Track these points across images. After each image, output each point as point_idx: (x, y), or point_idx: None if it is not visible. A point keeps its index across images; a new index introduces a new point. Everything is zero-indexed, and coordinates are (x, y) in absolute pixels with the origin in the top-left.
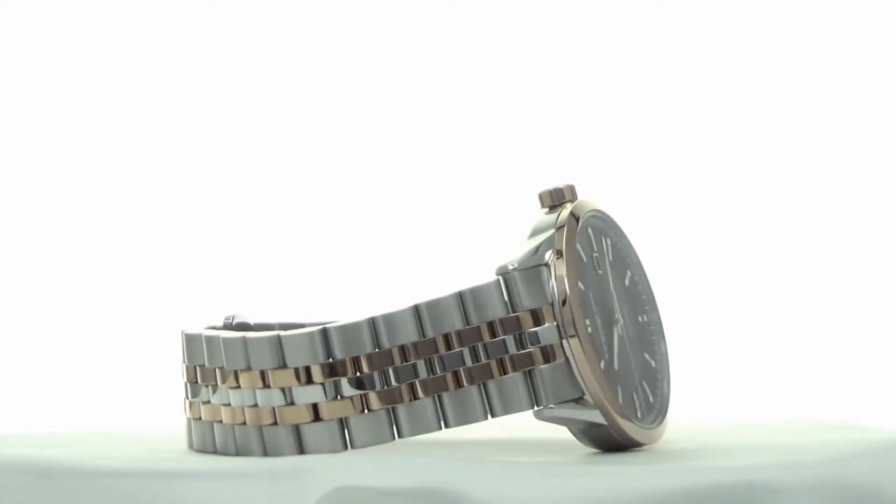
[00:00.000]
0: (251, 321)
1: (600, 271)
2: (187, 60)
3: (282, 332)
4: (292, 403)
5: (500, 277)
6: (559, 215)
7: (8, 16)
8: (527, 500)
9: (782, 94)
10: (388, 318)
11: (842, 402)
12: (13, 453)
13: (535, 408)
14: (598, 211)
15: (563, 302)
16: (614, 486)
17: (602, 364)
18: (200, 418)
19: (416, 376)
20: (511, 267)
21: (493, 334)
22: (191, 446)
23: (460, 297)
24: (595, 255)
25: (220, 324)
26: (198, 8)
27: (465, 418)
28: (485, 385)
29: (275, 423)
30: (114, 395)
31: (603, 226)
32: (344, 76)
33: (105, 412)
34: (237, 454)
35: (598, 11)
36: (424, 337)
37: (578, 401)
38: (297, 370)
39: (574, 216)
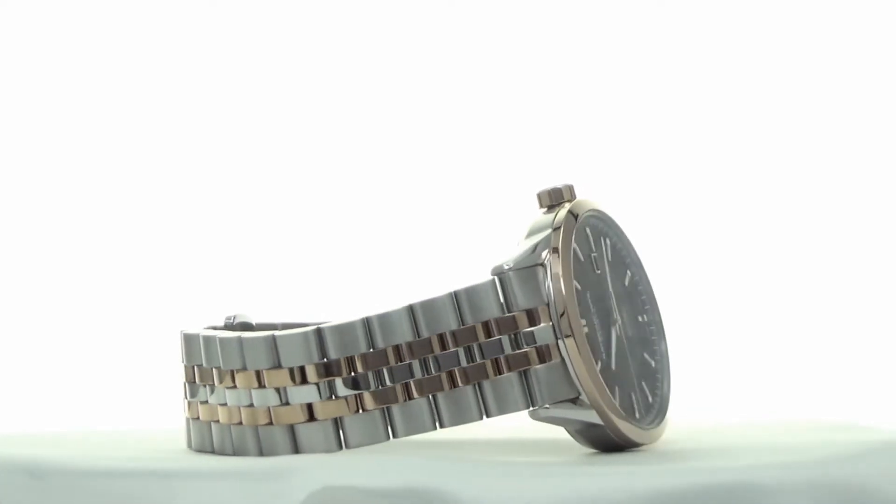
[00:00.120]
0: (253, 321)
1: (598, 271)
2: (187, 61)
3: (276, 332)
4: (287, 403)
5: (496, 277)
6: (556, 215)
7: (8, 16)
8: (514, 499)
9: (782, 93)
10: (383, 318)
11: (843, 403)
12: (5, 453)
13: (531, 408)
14: (598, 211)
15: (559, 302)
16: (605, 487)
17: (599, 364)
18: (199, 418)
19: (411, 376)
20: (506, 267)
21: (488, 334)
22: (190, 446)
23: (455, 296)
24: (593, 255)
25: (222, 324)
26: (198, 8)
27: (460, 418)
28: (480, 385)
29: (270, 422)
30: (114, 395)
31: (602, 226)
32: (341, 77)
33: (105, 412)
34: (234, 454)
35: (597, 11)
36: (419, 337)
37: (574, 401)
38: (291, 370)
39: (571, 216)
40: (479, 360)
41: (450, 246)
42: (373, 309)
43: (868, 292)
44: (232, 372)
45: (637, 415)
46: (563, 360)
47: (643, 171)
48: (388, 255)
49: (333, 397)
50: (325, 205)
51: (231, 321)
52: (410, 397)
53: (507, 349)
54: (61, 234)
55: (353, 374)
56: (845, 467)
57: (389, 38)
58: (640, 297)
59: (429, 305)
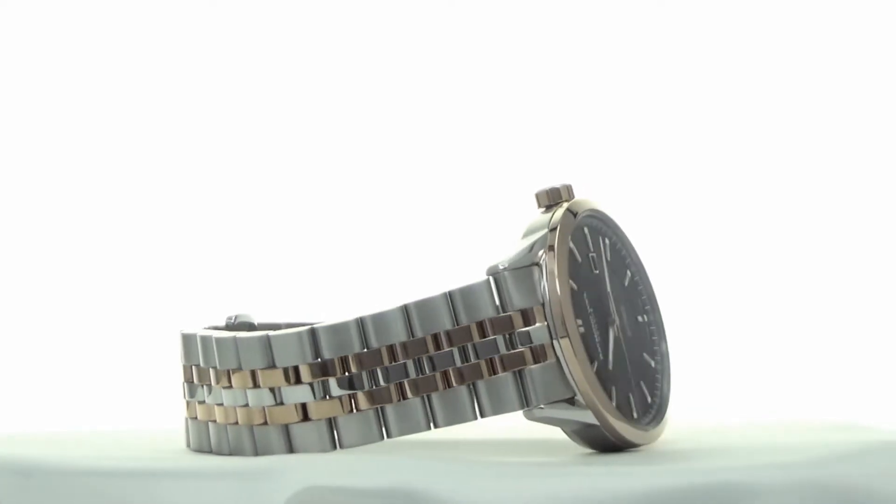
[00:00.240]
0: (255, 321)
1: (597, 271)
2: (187, 61)
3: (271, 332)
4: (281, 403)
5: (491, 277)
6: (553, 215)
7: (8, 16)
8: (502, 499)
9: (782, 93)
10: (377, 318)
11: (844, 403)
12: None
13: (525, 408)
14: (597, 211)
15: (554, 302)
16: (597, 487)
17: (595, 364)
18: (197, 418)
19: (405, 376)
20: (501, 267)
21: (483, 334)
22: (188, 446)
23: (449, 296)
24: (591, 255)
25: (223, 324)
26: (198, 8)
27: (454, 418)
28: (474, 385)
29: (265, 422)
30: (115, 395)
31: (601, 226)
32: (338, 77)
33: (106, 413)
34: (231, 454)
35: (596, 11)
36: (413, 337)
37: (570, 401)
38: (286, 370)
39: (568, 216)
40: (473, 360)
41: (450, 246)
42: (368, 309)
43: (868, 292)
44: (228, 372)
45: (634, 415)
46: (558, 360)
47: (643, 171)
48: (388, 255)
49: (327, 397)
50: (324, 205)
51: (232, 321)
52: (404, 397)
53: (502, 349)
54: (61, 235)
55: (346, 373)
56: (842, 467)
57: (386, 38)
58: (640, 298)
59: (423, 305)
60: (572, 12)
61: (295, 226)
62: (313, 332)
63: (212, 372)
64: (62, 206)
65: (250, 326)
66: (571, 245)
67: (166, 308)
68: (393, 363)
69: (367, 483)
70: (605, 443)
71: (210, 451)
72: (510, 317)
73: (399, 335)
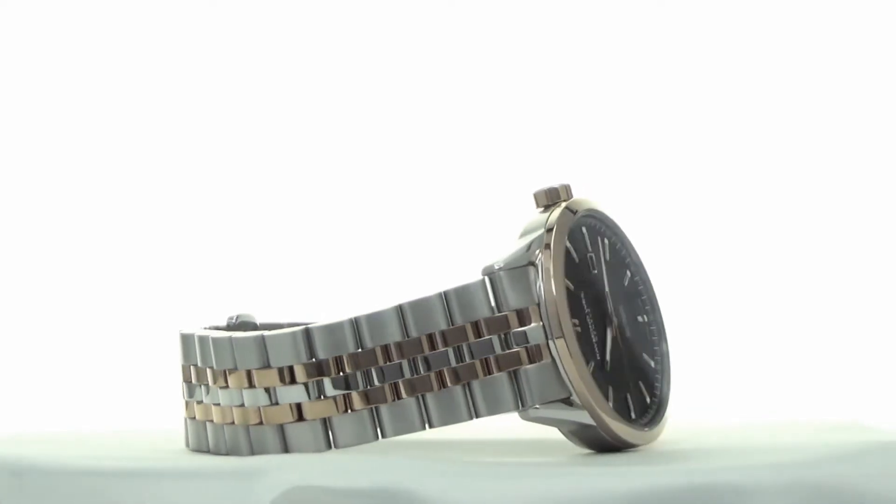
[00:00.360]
0: (257, 321)
1: (595, 271)
2: (186, 60)
3: (266, 332)
4: (276, 403)
5: (486, 277)
6: (550, 215)
7: (8, 16)
8: (487, 499)
9: (781, 92)
10: (371, 318)
11: (848, 403)
12: None
13: (521, 408)
14: (596, 211)
15: (550, 302)
16: (582, 487)
17: (591, 364)
18: (195, 418)
19: (400, 376)
20: (497, 267)
21: (478, 334)
22: (187, 445)
23: (444, 296)
24: (590, 255)
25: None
26: (198, 8)
27: (449, 419)
28: (469, 385)
29: (261, 422)
30: (116, 395)
31: (600, 226)
32: (334, 78)
33: (104, 413)
34: (228, 453)
35: (595, 10)
36: (408, 337)
37: (566, 401)
38: (280, 370)
39: (566, 216)
40: (468, 360)
41: (450, 246)
42: (363, 308)
43: (868, 292)
44: (225, 372)
45: (632, 415)
46: (553, 360)
47: (643, 171)
48: (388, 255)
49: (322, 397)
50: (322, 204)
51: (233, 321)
52: (399, 397)
53: (497, 349)
54: (61, 235)
55: (341, 373)
56: (840, 468)
57: (384, 38)
58: (640, 298)
59: (418, 305)
60: (571, 12)
61: (293, 226)
62: (308, 332)
63: (209, 372)
64: (62, 206)
65: (252, 326)
66: (568, 245)
67: (168, 308)
68: (387, 363)
69: (353, 483)
70: (602, 443)
71: (208, 451)
72: (505, 317)
73: (394, 335)
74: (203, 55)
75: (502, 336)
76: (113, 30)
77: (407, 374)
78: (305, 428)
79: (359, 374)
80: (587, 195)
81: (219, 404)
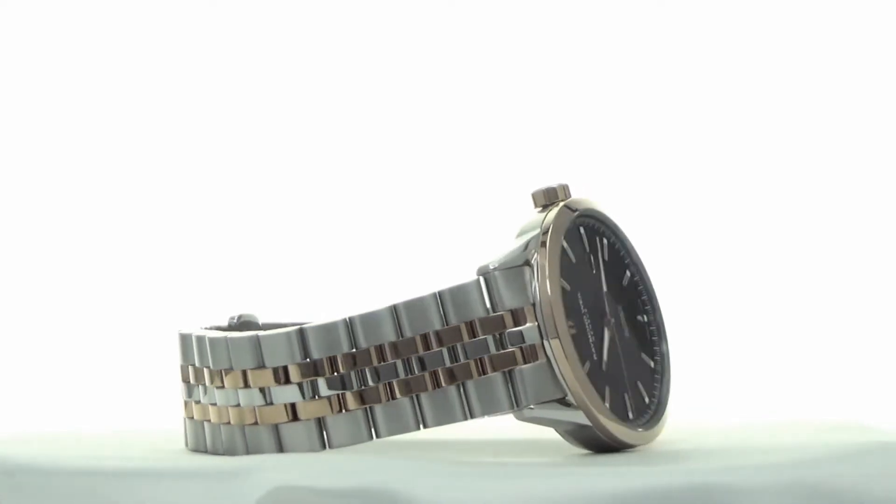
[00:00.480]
0: (259, 321)
1: (593, 272)
2: (186, 61)
3: (260, 333)
4: (271, 403)
5: (481, 277)
6: (546, 215)
7: (8, 16)
8: (472, 499)
9: (781, 92)
10: (365, 318)
11: (848, 403)
12: None
13: (515, 408)
14: (595, 211)
15: (545, 302)
16: (570, 487)
17: (587, 365)
18: (193, 417)
19: (394, 376)
20: (492, 267)
21: (473, 334)
22: (187, 445)
23: (439, 296)
24: (587, 255)
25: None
26: (198, 8)
27: (444, 419)
28: (464, 385)
29: (256, 422)
30: (117, 395)
31: (599, 226)
32: (331, 78)
33: (106, 413)
34: (225, 453)
35: (594, 10)
36: (402, 337)
37: (561, 401)
38: (275, 370)
39: (562, 216)
40: (462, 360)
41: (450, 246)
42: (358, 308)
43: (868, 292)
44: (221, 372)
45: (630, 415)
46: (548, 360)
47: (643, 171)
48: (387, 256)
49: (316, 397)
50: (319, 204)
51: (234, 321)
52: (393, 397)
53: (492, 349)
54: (61, 235)
55: (335, 373)
56: (838, 468)
57: (381, 38)
58: (639, 298)
59: (412, 305)
60: (570, 11)
61: (291, 226)
62: (302, 332)
63: (206, 372)
64: (62, 206)
65: (254, 326)
66: (565, 245)
67: (170, 308)
68: (382, 363)
69: (339, 483)
70: (598, 443)
71: (206, 451)
72: (500, 317)
73: (388, 335)
74: (203, 55)
75: (497, 336)
76: (113, 30)
77: (401, 374)
78: (300, 428)
79: (353, 374)
80: (586, 195)
81: (215, 404)
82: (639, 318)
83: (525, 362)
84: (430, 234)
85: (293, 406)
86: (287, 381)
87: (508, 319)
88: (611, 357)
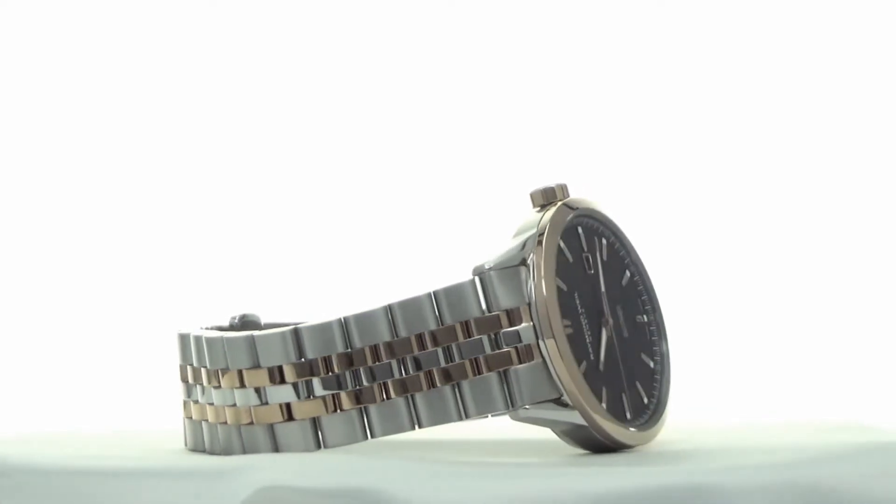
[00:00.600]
0: (262, 321)
1: (591, 271)
2: (186, 60)
3: (256, 333)
4: (266, 403)
5: (477, 277)
6: (543, 215)
7: (8, 16)
8: (452, 500)
9: (781, 92)
10: (360, 318)
11: (849, 403)
12: None
13: (511, 408)
14: (593, 210)
15: (540, 302)
16: (553, 488)
17: (584, 365)
18: (192, 417)
19: (389, 376)
20: (487, 266)
21: (468, 334)
22: (186, 445)
23: (434, 296)
24: (585, 254)
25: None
26: (198, 8)
27: (439, 419)
28: (458, 385)
29: (251, 422)
30: (118, 395)
31: (598, 225)
32: (328, 78)
33: (108, 413)
34: (222, 453)
35: (592, 10)
36: (397, 337)
37: (557, 401)
38: (270, 370)
39: (559, 215)
40: (457, 360)
41: (449, 246)
42: (353, 308)
43: (868, 292)
44: (218, 371)
45: (628, 416)
46: (544, 360)
47: (642, 171)
48: (388, 255)
49: (311, 397)
50: (316, 204)
51: (235, 321)
52: (388, 397)
53: (487, 349)
54: (62, 235)
55: (330, 373)
56: (836, 467)
57: (379, 38)
58: (639, 298)
59: (407, 305)
60: (568, 11)
61: (288, 226)
62: (297, 332)
63: (203, 372)
64: (62, 206)
65: (257, 326)
66: (562, 244)
67: (172, 308)
68: (376, 363)
69: (323, 483)
70: (595, 443)
71: (204, 451)
72: (496, 316)
73: (383, 335)
74: (202, 55)
75: (492, 336)
76: (113, 29)
77: (396, 374)
78: (295, 428)
79: (348, 374)
80: (586, 195)
81: (213, 404)
82: (638, 318)
83: (520, 362)
84: (431, 235)
85: (288, 406)
86: (282, 380)
87: (504, 319)
88: (608, 357)
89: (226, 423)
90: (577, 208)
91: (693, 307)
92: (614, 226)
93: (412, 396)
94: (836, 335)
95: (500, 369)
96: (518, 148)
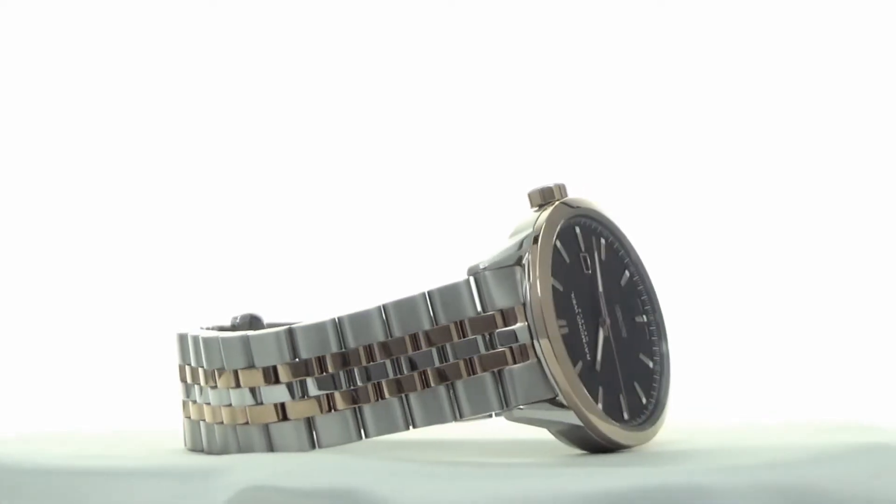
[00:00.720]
0: (265, 320)
1: (588, 271)
2: (186, 60)
3: (250, 333)
4: (261, 403)
5: (471, 277)
6: (540, 215)
7: (8, 16)
8: (435, 500)
9: (781, 92)
10: (354, 318)
11: (849, 403)
12: None
13: (505, 408)
14: (592, 210)
15: (535, 302)
16: (542, 488)
17: (579, 365)
18: (191, 417)
19: (383, 376)
20: (482, 266)
21: (462, 334)
22: (185, 445)
23: (428, 296)
24: (582, 254)
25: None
26: (198, 8)
27: (433, 419)
28: (453, 385)
29: (247, 422)
30: (120, 395)
31: (596, 225)
32: (325, 79)
33: (112, 413)
34: (220, 453)
35: (591, 10)
36: (391, 337)
37: (552, 402)
38: (265, 370)
39: (556, 215)
40: (452, 360)
41: (449, 246)
42: (346, 308)
43: (868, 292)
44: (214, 372)
45: (625, 416)
46: (539, 360)
47: (642, 171)
48: (388, 255)
49: (305, 397)
50: (312, 203)
51: (237, 321)
52: (382, 397)
53: (482, 349)
54: (62, 235)
55: (324, 373)
56: (835, 468)
57: (377, 37)
58: (639, 298)
59: (401, 305)
60: (567, 11)
61: (286, 226)
62: (291, 332)
63: (201, 372)
64: (63, 205)
65: (260, 326)
66: (558, 244)
67: (173, 308)
68: (371, 363)
69: (307, 483)
70: (591, 444)
71: (203, 451)
72: (491, 316)
73: (377, 335)
74: (202, 55)
75: (487, 336)
76: (112, 29)
77: (390, 374)
78: (289, 428)
79: (342, 374)
80: (585, 194)
81: (210, 404)
82: (638, 318)
83: (515, 362)
84: (429, 235)
85: (283, 406)
86: (276, 380)
87: (499, 319)
88: (605, 357)
89: (222, 423)
90: (576, 208)
91: (693, 307)
92: (614, 226)
93: (406, 396)
94: (836, 335)
95: (495, 369)
96: (516, 148)
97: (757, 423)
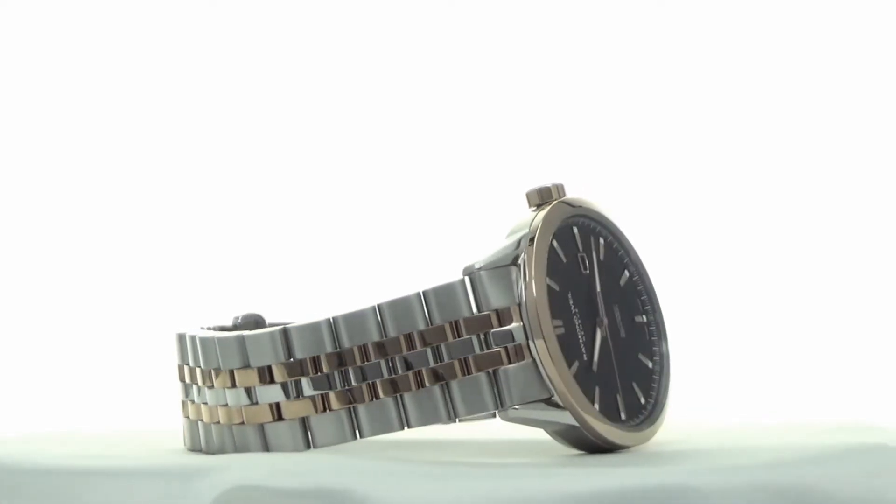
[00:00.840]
0: (267, 320)
1: (586, 271)
2: (186, 60)
3: (245, 332)
4: (256, 403)
5: (466, 277)
6: (537, 215)
7: (8, 16)
8: (425, 500)
9: (780, 92)
10: (349, 318)
11: (849, 403)
12: None
13: (500, 408)
14: (591, 210)
15: (530, 302)
16: (538, 488)
17: (576, 365)
18: (189, 417)
19: (378, 376)
20: (478, 266)
21: (457, 334)
22: (185, 444)
23: (423, 296)
24: (580, 254)
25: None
26: (198, 8)
27: (427, 419)
28: (447, 385)
29: (242, 422)
30: (118, 395)
31: (594, 225)
32: (324, 79)
33: (114, 413)
34: (218, 452)
35: (590, 9)
36: (386, 337)
37: (547, 402)
38: (260, 370)
39: (553, 215)
40: (446, 360)
41: (449, 247)
42: (341, 308)
43: (869, 292)
44: (211, 371)
45: (623, 416)
46: (534, 360)
47: (642, 171)
48: (388, 255)
49: (300, 397)
50: (310, 203)
51: (237, 321)
52: (377, 397)
53: (477, 349)
54: (64, 236)
55: (319, 373)
56: (835, 468)
57: (377, 37)
58: (638, 298)
59: (396, 305)
60: (566, 11)
61: (284, 226)
62: (285, 332)
63: (199, 372)
64: (64, 205)
65: (262, 326)
66: (555, 244)
67: (174, 308)
68: (365, 363)
69: (293, 483)
70: (588, 444)
71: (201, 451)
72: (486, 316)
73: (372, 335)
74: (202, 54)
75: (482, 336)
76: (112, 29)
77: (385, 374)
78: (284, 427)
79: (336, 374)
80: (584, 194)
81: (207, 404)
82: (637, 318)
83: (510, 362)
84: (427, 235)
85: (277, 406)
86: (271, 380)
87: (494, 319)
88: (602, 358)
89: (219, 422)
90: (574, 207)
91: (693, 307)
92: (613, 226)
93: (401, 396)
94: (836, 335)
95: (490, 369)
96: (514, 147)
97: (756, 424)
